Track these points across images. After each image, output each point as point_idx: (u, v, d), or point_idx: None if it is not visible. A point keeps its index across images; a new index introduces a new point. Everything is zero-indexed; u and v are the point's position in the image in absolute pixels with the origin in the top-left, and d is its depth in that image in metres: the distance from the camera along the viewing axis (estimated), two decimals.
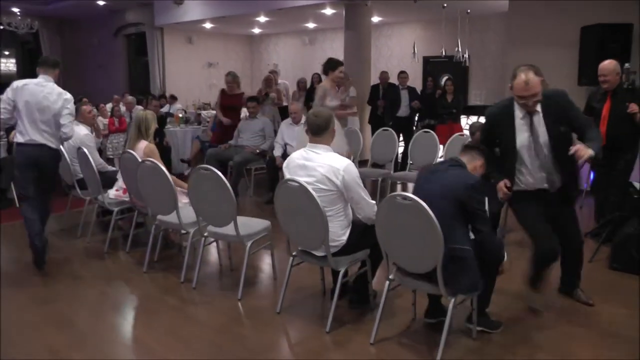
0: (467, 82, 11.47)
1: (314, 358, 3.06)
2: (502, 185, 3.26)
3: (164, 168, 4.07)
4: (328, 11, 10.52)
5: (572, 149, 3.00)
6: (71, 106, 4.35)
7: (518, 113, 3.20)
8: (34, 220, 4.29)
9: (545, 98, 3.11)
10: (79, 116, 5.39)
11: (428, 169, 3.18)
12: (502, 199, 3.32)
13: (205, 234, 4.02)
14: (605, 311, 3.53)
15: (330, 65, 5.66)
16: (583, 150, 2.97)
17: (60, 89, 4.36)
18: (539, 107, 3.13)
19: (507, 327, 3.28)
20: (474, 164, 3.09)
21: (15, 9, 13.07)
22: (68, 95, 4.36)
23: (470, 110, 10.26)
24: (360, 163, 7.23)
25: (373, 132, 7.74)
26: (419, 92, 9.12)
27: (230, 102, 7.42)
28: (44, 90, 4.27)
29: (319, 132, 3.32)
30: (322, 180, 3.19)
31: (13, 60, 16.05)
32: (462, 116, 9.15)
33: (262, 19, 12.00)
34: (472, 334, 3.15)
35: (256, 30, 14.48)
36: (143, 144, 4.49)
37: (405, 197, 2.77)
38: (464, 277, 2.84)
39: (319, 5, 9.96)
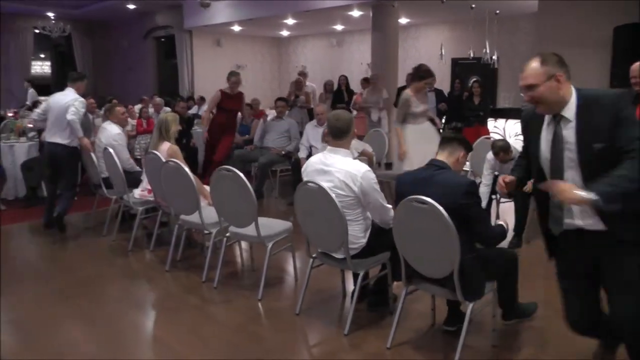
0: (496, 84, 11.29)
1: (329, 359, 3.05)
2: (501, 180, 2.54)
3: (187, 169, 4.12)
4: (355, 13, 10.50)
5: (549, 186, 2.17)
6: (78, 103, 5.25)
7: (547, 117, 2.33)
8: (50, 203, 5.57)
9: (581, 102, 2.22)
10: (113, 116, 5.55)
11: (411, 179, 2.92)
12: (500, 193, 2.63)
13: (227, 234, 4.05)
14: None
15: (418, 75, 5.64)
16: (568, 192, 2.08)
17: (78, 97, 5.33)
18: (569, 114, 2.22)
19: (528, 333, 3.22)
20: (455, 156, 2.90)
21: (50, 14, 13.43)
22: (82, 99, 5.35)
23: (499, 113, 10.10)
24: (387, 165, 7.16)
25: None
26: (446, 95, 9.02)
27: (232, 104, 7.17)
28: (66, 99, 5.29)
29: (339, 135, 3.26)
30: (340, 186, 3.16)
31: (48, 63, 16.48)
32: (490, 119, 9.01)
33: (290, 21, 12.05)
34: (493, 339, 3.10)
35: (284, 33, 14.56)
36: (166, 146, 4.56)
37: (421, 201, 2.70)
38: (467, 286, 2.77)
39: (346, 7, 9.95)
